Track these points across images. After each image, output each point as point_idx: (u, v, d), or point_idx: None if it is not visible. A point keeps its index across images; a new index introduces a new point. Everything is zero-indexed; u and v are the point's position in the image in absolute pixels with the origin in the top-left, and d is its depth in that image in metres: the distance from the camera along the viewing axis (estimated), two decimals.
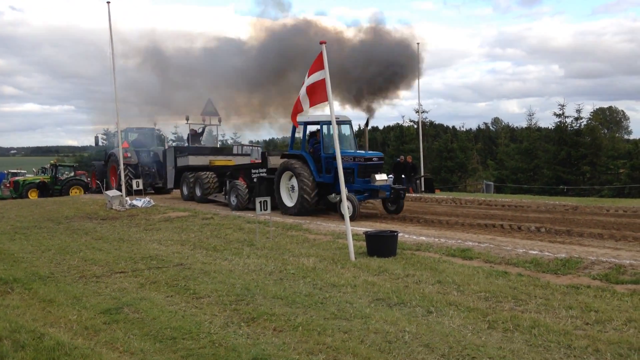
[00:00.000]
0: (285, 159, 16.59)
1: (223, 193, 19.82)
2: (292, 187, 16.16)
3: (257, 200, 11.79)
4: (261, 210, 11.70)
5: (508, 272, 8.00)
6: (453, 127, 71.88)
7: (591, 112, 48.53)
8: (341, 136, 16.09)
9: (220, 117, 25.54)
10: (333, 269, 8.49)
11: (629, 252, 9.32)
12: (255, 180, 17.96)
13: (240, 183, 17.74)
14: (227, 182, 19.29)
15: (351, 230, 9.59)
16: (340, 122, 16.04)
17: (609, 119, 77.22)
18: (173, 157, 23.39)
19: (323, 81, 9.51)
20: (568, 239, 11.07)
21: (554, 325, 5.55)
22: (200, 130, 25.67)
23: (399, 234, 10.11)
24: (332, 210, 16.39)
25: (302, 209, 15.78)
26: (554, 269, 8.08)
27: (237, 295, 7.04)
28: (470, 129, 73.50)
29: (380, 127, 66.43)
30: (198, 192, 21.10)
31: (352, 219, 13.52)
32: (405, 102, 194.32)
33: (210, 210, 17.25)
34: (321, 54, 9.46)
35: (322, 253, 9.78)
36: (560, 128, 38.70)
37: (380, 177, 15.23)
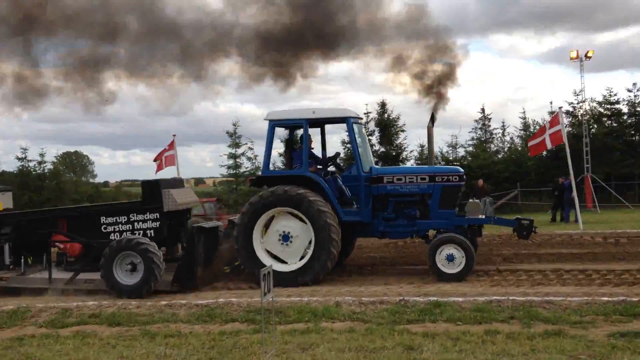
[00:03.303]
0: (260, 187, 10.59)
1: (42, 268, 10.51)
2: (287, 236, 10.09)
3: None
4: None
5: None
6: None
7: (56, 156, 49.37)
8: (365, 142, 11.43)
9: None
10: None
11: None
12: (111, 235, 10.26)
13: (152, 246, 9.47)
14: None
15: None
16: (356, 120, 11.02)
17: (75, 164, 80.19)
18: None
19: None
20: None
21: None
22: None
23: None
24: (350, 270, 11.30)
25: (320, 272, 9.92)
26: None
27: None
28: None
29: None
30: None
31: (459, 278, 9.48)
32: None
33: None
34: None
35: None
36: (23, 172, 38.11)
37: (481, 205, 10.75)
